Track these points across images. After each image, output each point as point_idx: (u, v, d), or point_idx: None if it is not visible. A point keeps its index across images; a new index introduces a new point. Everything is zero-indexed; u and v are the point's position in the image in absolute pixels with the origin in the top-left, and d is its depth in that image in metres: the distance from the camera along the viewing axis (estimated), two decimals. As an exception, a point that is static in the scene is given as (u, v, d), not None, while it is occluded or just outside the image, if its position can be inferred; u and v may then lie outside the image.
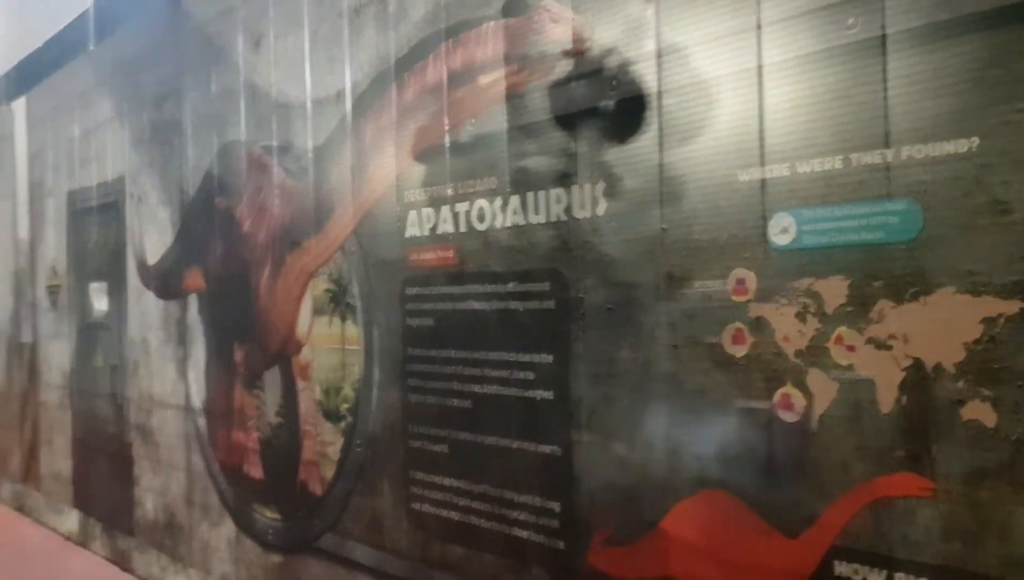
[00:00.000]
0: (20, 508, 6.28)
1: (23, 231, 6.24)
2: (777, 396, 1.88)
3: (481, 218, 2.64)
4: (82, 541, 5.28)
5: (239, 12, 3.73)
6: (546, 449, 2.43)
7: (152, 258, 4.47)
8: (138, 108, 4.61)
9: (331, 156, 3.25)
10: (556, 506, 2.41)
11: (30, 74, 6.19)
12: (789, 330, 1.86)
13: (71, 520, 5.46)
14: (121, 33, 4.91)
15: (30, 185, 6.11)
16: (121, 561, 4.78)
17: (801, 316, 1.85)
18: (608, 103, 2.27)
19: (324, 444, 3.31)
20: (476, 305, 2.67)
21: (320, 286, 3.33)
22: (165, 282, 4.37)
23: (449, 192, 2.75)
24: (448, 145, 2.75)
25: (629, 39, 2.23)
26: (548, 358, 2.44)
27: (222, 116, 3.87)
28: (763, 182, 1.92)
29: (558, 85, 2.41)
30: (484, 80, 2.62)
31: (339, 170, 3.21)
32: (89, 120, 5.15)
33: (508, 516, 2.56)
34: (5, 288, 6.64)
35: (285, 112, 3.47)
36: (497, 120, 2.58)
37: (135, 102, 4.65)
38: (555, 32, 2.43)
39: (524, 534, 2.50)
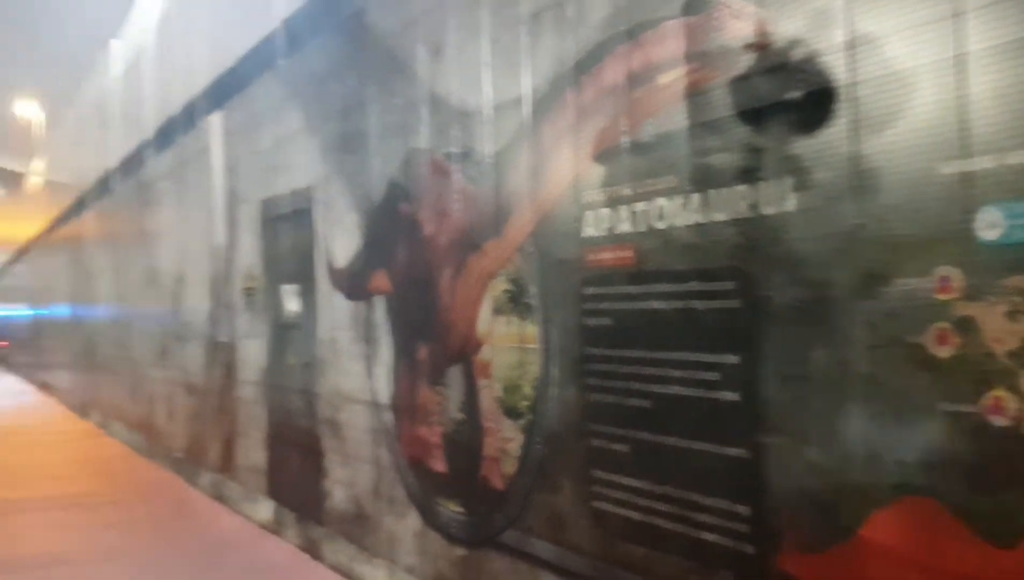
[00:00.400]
0: (218, 497, 6.86)
1: (220, 237, 6.83)
2: (987, 399, 1.82)
3: (660, 217, 2.69)
4: (276, 529, 5.72)
5: (420, 24, 3.95)
6: (732, 451, 2.45)
7: (340, 261, 4.80)
8: (325, 119, 4.96)
9: (510, 160, 3.39)
10: (744, 510, 2.41)
11: (225, 90, 6.77)
12: (999, 330, 1.80)
13: (265, 509, 5.92)
14: (308, 49, 5.29)
15: (226, 194, 6.68)
16: (312, 550, 5.15)
17: (1012, 315, 1.78)
18: (795, 96, 2.26)
19: (505, 440, 3.45)
20: (656, 304, 2.72)
21: (499, 287, 3.47)
22: (353, 284, 4.68)
23: (627, 192, 2.81)
24: (627, 145, 2.81)
25: (816, 30, 2.21)
26: (733, 358, 2.45)
27: (405, 125, 4.10)
28: (968, 174, 1.86)
29: (741, 80, 2.42)
30: (664, 79, 2.67)
31: (518, 174, 3.34)
32: (280, 132, 5.57)
33: (693, 518, 2.59)
34: (204, 291, 7.29)
35: (465, 119, 3.65)
36: (677, 118, 2.62)
37: (323, 114, 5.00)
38: (737, 27, 2.44)
39: (710, 537, 2.53)
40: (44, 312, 18.90)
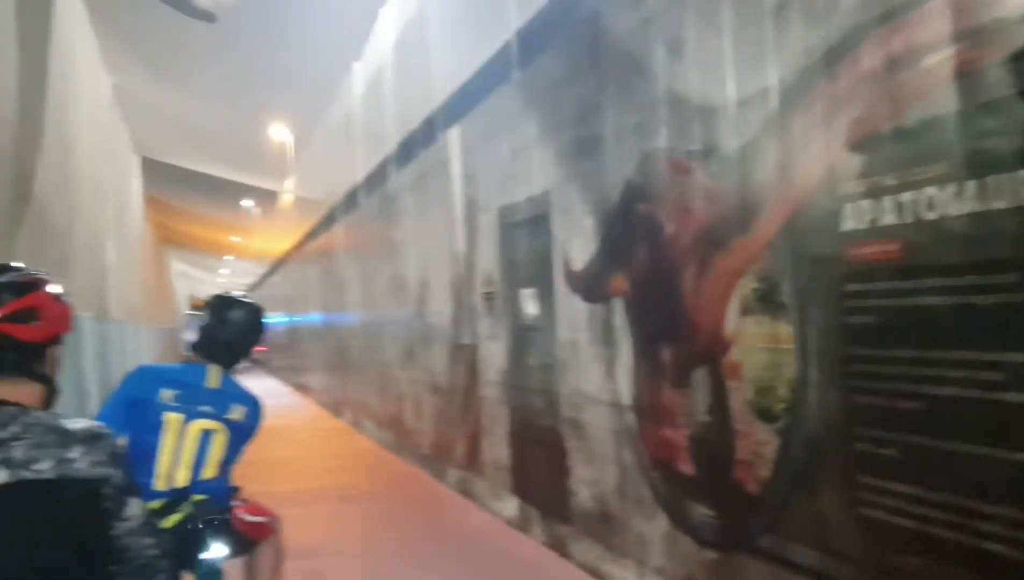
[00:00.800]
0: (465, 493, 7.25)
1: (460, 244, 7.22)
2: None
3: (930, 207, 2.56)
4: (522, 526, 5.96)
5: (657, 23, 3.99)
6: (1022, 456, 2.29)
7: (578, 265, 4.93)
8: (560, 126, 5.12)
9: (757, 155, 3.35)
10: (1039, 520, 2.25)
11: (462, 104, 7.15)
12: None
13: (511, 506, 6.19)
14: (542, 58, 5.48)
15: (465, 203, 7.05)
16: (559, 548, 5.32)
17: None
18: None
19: (758, 444, 3.41)
20: (928, 300, 2.59)
21: (748, 285, 3.44)
22: (591, 287, 4.80)
23: (891, 182, 2.70)
24: (889, 133, 2.70)
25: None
26: (1020, 357, 2.29)
27: (643, 126, 4.16)
28: None
29: (1022, 56, 2.26)
30: (930, 61, 2.54)
31: (766, 168, 3.30)
32: (516, 141, 5.81)
33: (976, 528, 2.45)
34: (446, 296, 7.73)
35: (707, 116, 3.65)
36: (947, 101, 2.49)
37: (558, 121, 5.17)
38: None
39: (997, 548, 2.37)
40: (298, 319, 20.76)
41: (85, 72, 9.22)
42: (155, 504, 2.86)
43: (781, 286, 3.25)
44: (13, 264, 1.75)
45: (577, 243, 4.94)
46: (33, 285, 1.69)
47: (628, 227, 4.36)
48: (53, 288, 1.74)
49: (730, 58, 3.48)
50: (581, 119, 4.85)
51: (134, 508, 1.66)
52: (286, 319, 22.44)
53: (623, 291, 4.46)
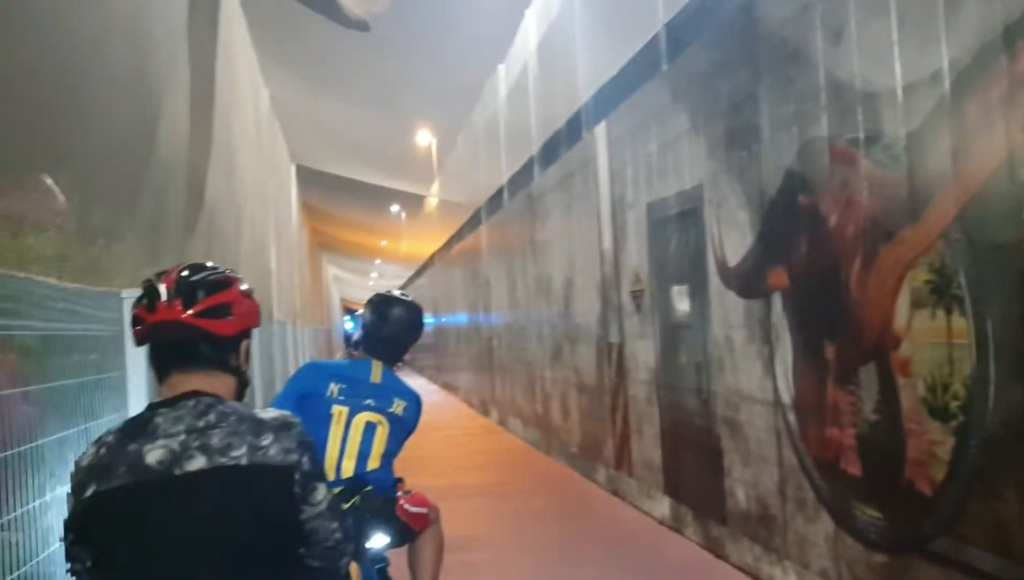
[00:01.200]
0: (615, 492, 7.27)
1: (606, 242, 7.24)
2: None
3: None
4: (675, 526, 5.93)
5: (816, 8, 3.90)
6: None
7: (733, 260, 4.87)
8: (713, 118, 5.07)
9: (927, 140, 3.22)
10: None
11: (608, 101, 7.18)
12: None
13: (663, 506, 6.16)
14: (692, 50, 5.44)
15: (611, 201, 7.07)
16: (714, 548, 5.26)
17: None
18: None
19: (931, 443, 3.27)
20: None
21: (919, 277, 3.31)
22: (747, 282, 4.72)
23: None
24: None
25: None
26: None
27: (802, 114, 4.07)
28: None
29: None
30: None
31: (938, 154, 3.17)
32: (665, 135, 5.79)
33: None
34: (593, 294, 7.77)
35: (871, 102, 3.54)
36: None
37: (710, 112, 5.11)
38: None
39: None
40: (443, 320, 21.30)
41: (247, 85, 9.82)
42: None
43: (956, 277, 3.11)
44: (207, 263, 1.82)
45: (732, 237, 4.88)
46: (226, 283, 1.77)
47: (788, 219, 4.27)
48: (243, 285, 1.81)
49: (896, 41, 3.36)
50: (734, 110, 4.78)
51: (321, 493, 1.72)
52: (432, 320, 23.06)
53: (783, 286, 4.37)
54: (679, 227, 5.68)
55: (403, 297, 3.54)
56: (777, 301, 4.43)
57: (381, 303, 3.45)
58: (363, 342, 3.45)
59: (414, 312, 3.49)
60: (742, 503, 4.88)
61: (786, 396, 4.36)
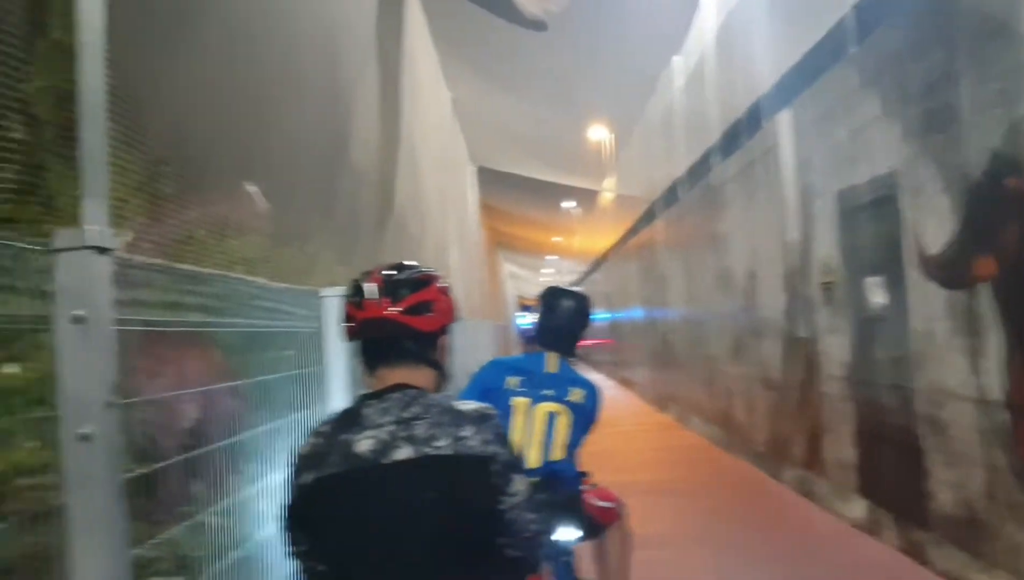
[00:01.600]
0: (804, 492, 7.04)
1: (793, 233, 7.02)
2: None
3: None
4: (871, 529, 5.68)
5: (1026, -22, 3.65)
6: None
7: (933, 248, 4.62)
8: (907, 100, 4.83)
9: None
10: None
11: (791, 87, 6.96)
12: None
13: (858, 508, 5.92)
14: (883, 31, 5.20)
15: (798, 189, 6.86)
16: (915, 553, 5.01)
17: None
18: None
19: None
20: None
21: None
22: (951, 271, 4.47)
23: None
24: None
25: None
26: None
27: (1008, 92, 3.82)
28: None
29: None
30: None
31: None
32: (855, 120, 5.56)
33: None
34: (778, 287, 7.55)
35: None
36: None
37: (904, 95, 4.87)
38: None
39: None
40: (619, 315, 21.27)
41: (429, 88, 10.21)
42: None
43: None
44: (407, 262, 1.90)
45: (932, 224, 4.63)
46: (427, 281, 1.84)
47: (995, 203, 4.01)
48: (442, 283, 1.89)
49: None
50: (931, 91, 4.54)
51: (519, 484, 1.77)
52: (608, 315, 23.07)
53: (991, 275, 4.11)
54: (873, 215, 5.44)
55: (570, 289, 3.67)
56: (985, 292, 4.17)
57: (550, 295, 3.59)
58: (537, 335, 3.57)
59: (581, 301, 3.59)
60: (946, 506, 4.63)
61: (996, 393, 4.10)
